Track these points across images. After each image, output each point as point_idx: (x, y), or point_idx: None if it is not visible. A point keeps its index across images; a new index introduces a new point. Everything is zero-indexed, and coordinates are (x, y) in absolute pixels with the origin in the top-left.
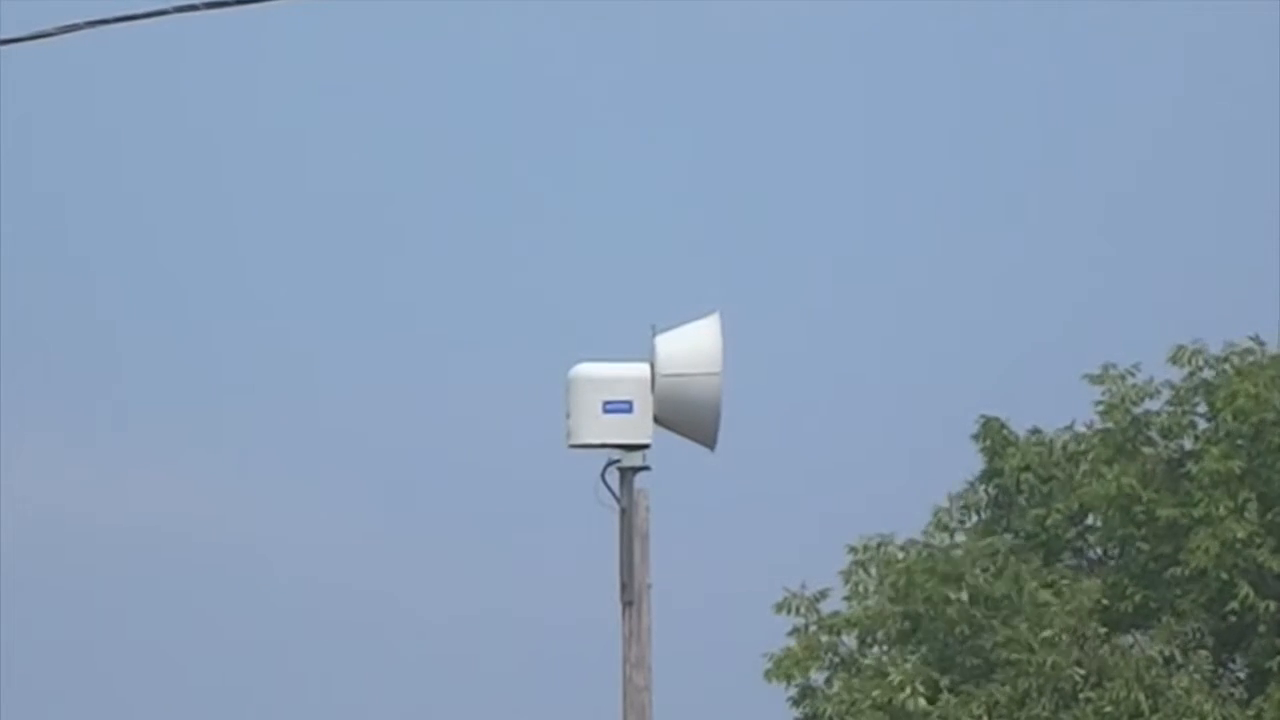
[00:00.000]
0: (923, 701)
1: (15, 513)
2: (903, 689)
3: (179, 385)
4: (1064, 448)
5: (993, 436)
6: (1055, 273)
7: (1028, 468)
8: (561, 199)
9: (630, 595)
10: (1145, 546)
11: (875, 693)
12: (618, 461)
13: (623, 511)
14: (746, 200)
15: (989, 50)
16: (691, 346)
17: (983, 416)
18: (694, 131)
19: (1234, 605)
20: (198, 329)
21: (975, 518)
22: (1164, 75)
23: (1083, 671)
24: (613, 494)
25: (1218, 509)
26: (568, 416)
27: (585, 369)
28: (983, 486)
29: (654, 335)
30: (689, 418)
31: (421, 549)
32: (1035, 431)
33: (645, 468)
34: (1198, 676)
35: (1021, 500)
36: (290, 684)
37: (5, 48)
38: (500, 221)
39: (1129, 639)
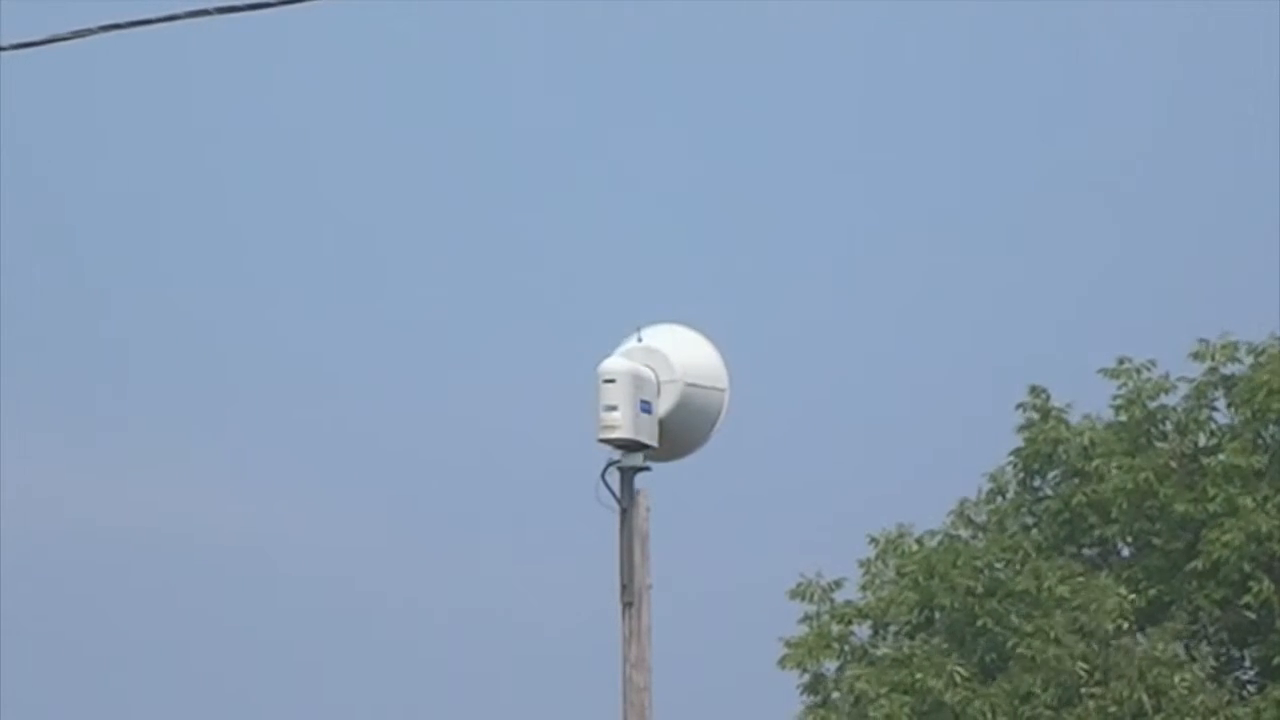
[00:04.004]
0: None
1: (15, 513)
2: (938, 676)
3: (180, 385)
4: (1083, 435)
5: (1037, 406)
6: (1061, 270)
7: (1063, 441)
8: (555, 201)
9: (630, 596)
10: (1159, 541)
11: (899, 675)
12: (618, 461)
13: (623, 511)
14: (750, 197)
15: (988, 47)
16: (699, 358)
17: (1031, 386)
18: (689, 133)
19: (1249, 599)
20: (199, 328)
21: (1001, 499)
22: (1163, 70)
23: (1087, 667)
24: (613, 494)
25: (1246, 501)
26: (612, 409)
27: (623, 364)
28: (1014, 463)
29: (640, 339)
30: (691, 428)
31: (421, 548)
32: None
33: (645, 468)
34: (1200, 674)
35: (1054, 473)
36: (291, 682)
37: (17, 51)
38: (496, 222)
39: (1131, 639)
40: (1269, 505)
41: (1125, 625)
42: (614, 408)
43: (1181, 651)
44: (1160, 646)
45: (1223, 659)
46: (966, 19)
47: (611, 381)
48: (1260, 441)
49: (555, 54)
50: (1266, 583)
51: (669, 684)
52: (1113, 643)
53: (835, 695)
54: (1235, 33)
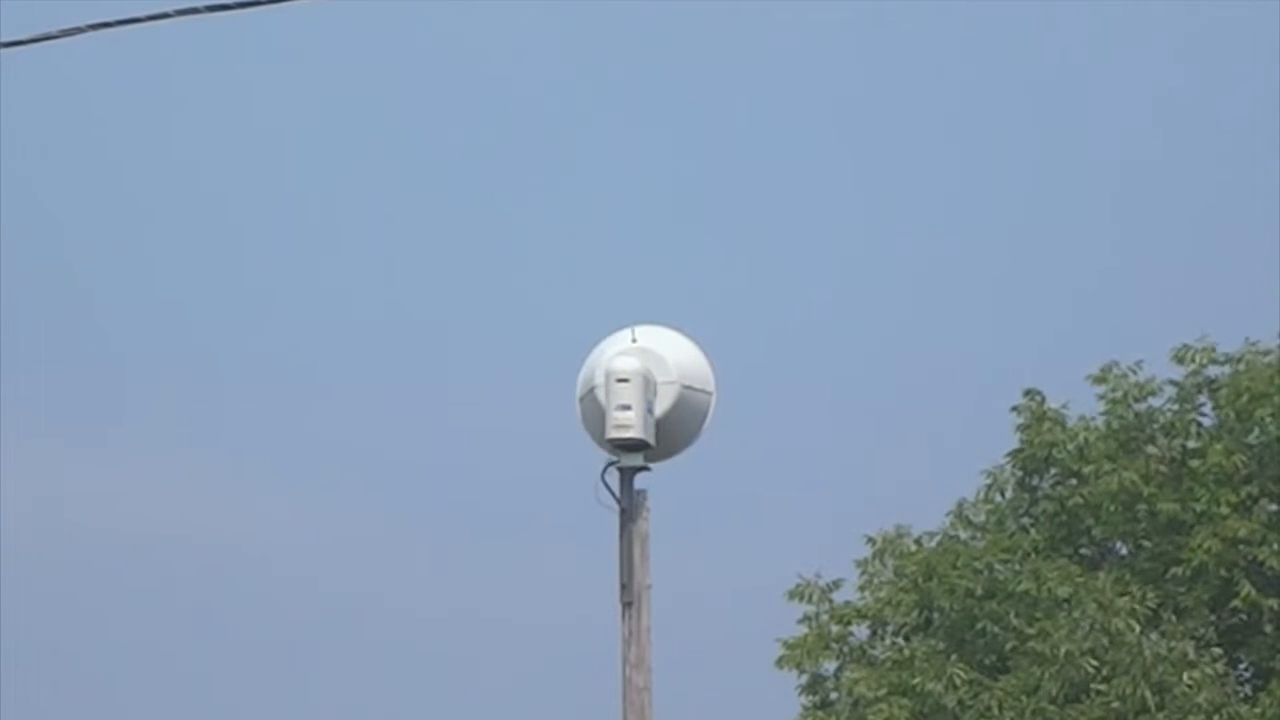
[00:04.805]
0: (941, 685)
1: (15, 513)
2: (937, 678)
3: (177, 388)
4: (1077, 436)
5: (1032, 409)
6: (1060, 269)
7: (1058, 444)
8: (550, 203)
9: (630, 596)
10: (1148, 544)
11: (898, 678)
12: (617, 462)
13: (623, 511)
14: (747, 197)
15: (987, 47)
16: (691, 360)
17: (1026, 390)
18: (686, 133)
19: (1236, 603)
20: (195, 331)
21: (1000, 498)
22: (1162, 69)
23: (1095, 663)
24: (613, 494)
25: (1219, 505)
26: (626, 409)
27: (635, 364)
28: (1011, 465)
29: (634, 339)
30: (683, 431)
31: (420, 549)
32: (1081, 417)
33: (645, 468)
34: (1210, 672)
35: (1050, 474)
36: (288, 685)
37: (6, 50)
38: (491, 222)
39: (1136, 637)
40: (1255, 507)
41: (1137, 628)
42: (627, 407)
43: (1191, 651)
44: (1165, 645)
45: (1220, 660)
46: (964, 18)
47: (625, 381)
48: (1245, 443)
49: (547, 53)
50: (1247, 587)
51: (669, 684)
52: (1118, 640)
53: (834, 696)
54: (1227, 36)
